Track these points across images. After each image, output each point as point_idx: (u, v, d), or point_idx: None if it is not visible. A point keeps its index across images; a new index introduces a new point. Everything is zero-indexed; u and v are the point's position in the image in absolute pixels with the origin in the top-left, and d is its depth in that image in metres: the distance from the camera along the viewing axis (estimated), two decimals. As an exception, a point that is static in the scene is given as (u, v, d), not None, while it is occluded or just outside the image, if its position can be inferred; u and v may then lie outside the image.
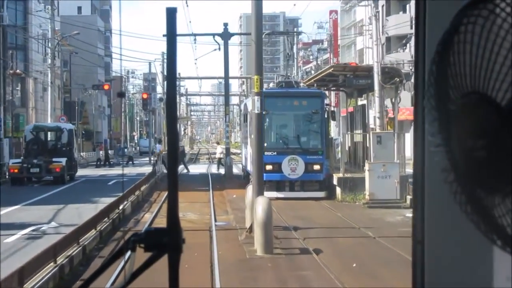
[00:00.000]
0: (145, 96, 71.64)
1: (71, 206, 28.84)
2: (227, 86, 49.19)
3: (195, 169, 55.48)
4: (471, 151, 1.62)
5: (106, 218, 21.90)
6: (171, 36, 1.85)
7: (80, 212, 26.03)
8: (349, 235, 20.21)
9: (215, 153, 60.32)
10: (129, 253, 1.97)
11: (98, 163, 67.11)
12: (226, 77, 49.27)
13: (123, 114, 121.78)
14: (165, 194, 33.43)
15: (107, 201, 27.36)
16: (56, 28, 71.60)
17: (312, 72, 74.07)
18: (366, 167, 27.16)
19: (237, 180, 41.56)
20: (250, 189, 20.47)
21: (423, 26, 2.06)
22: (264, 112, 30.38)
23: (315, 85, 33.77)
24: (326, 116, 30.38)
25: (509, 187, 1.56)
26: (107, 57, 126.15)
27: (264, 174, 29.45)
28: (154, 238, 1.91)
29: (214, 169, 55.66)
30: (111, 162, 67.45)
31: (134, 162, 72.02)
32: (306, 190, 30.04)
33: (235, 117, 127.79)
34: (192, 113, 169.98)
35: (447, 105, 1.69)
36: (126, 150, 79.48)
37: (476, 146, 1.60)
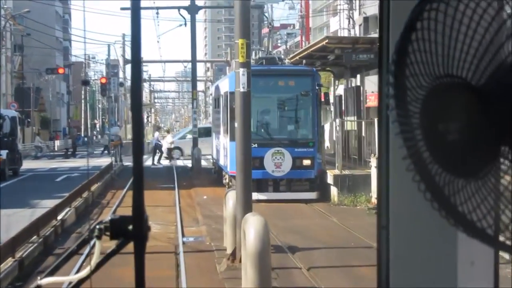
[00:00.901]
0: (103, 80, 65.61)
1: (2, 213, 22.98)
2: (194, 66, 43.09)
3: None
4: (442, 135, 1.63)
5: (35, 236, 16.18)
6: (135, 16, 1.79)
7: (10, 222, 20.21)
8: (369, 261, 14.58)
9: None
10: (94, 241, 2.00)
11: (67, 153, 61.11)
12: (193, 57, 43.35)
13: (83, 101, 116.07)
14: (122, 193, 28.06)
15: (49, 204, 21.93)
16: (6, 6, 65.59)
17: (282, 57, 68.49)
18: (373, 163, 21.59)
19: (206, 175, 35.91)
20: (231, 197, 14.85)
21: (387, 12, 2.05)
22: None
23: (304, 62, 27.86)
24: (318, 99, 24.81)
25: (485, 169, 1.56)
26: (66, 41, 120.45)
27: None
28: (119, 226, 1.90)
29: (179, 161, 50.00)
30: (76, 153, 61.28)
31: (94, 152, 65.92)
32: (294, 190, 24.43)
33: (199, 104, 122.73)
34: (155, 100, 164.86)
35: (407, 91, 1.70)
36: (96, 139, 73.87)
37: (449, 129, 1.60)
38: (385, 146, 2.05)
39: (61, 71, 67.29)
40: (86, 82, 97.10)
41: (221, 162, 28.84)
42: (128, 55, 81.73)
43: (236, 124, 14.26)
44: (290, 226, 19.27)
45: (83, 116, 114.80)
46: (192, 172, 38.18)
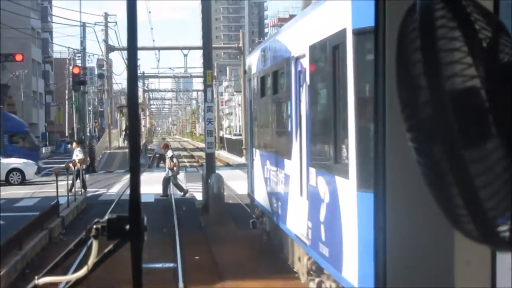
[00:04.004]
0: (76, 71, 48.81)
1: None
2: (209, 38, 25.47)
3: (148, 183, 31.32)
4: None
5: None
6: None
7: None
8: None
9: (174, 149, 36.30)
10: (91, 241, 1.97)
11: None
12: (206, 24, 26.07)
13: (67, 101, 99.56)
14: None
15: None
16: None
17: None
18: None
19: (238, 229, 18.59)
20: None
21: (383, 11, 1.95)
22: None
23: None
24: None
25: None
26: (46, 32, 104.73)
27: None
28: (116, 226, 1.88)
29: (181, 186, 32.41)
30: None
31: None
32: None
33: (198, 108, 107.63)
34: (151, 101, 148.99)
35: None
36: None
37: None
38: (381, 142, 2.00)
39: (18, 58, 49.92)
40: (82, 83, 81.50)
41: (291, 227, 11.53)
42: (112, 41, 65.91)
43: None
44: None
45: (67, 120, 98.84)
46: (206, 219, 20.72)
